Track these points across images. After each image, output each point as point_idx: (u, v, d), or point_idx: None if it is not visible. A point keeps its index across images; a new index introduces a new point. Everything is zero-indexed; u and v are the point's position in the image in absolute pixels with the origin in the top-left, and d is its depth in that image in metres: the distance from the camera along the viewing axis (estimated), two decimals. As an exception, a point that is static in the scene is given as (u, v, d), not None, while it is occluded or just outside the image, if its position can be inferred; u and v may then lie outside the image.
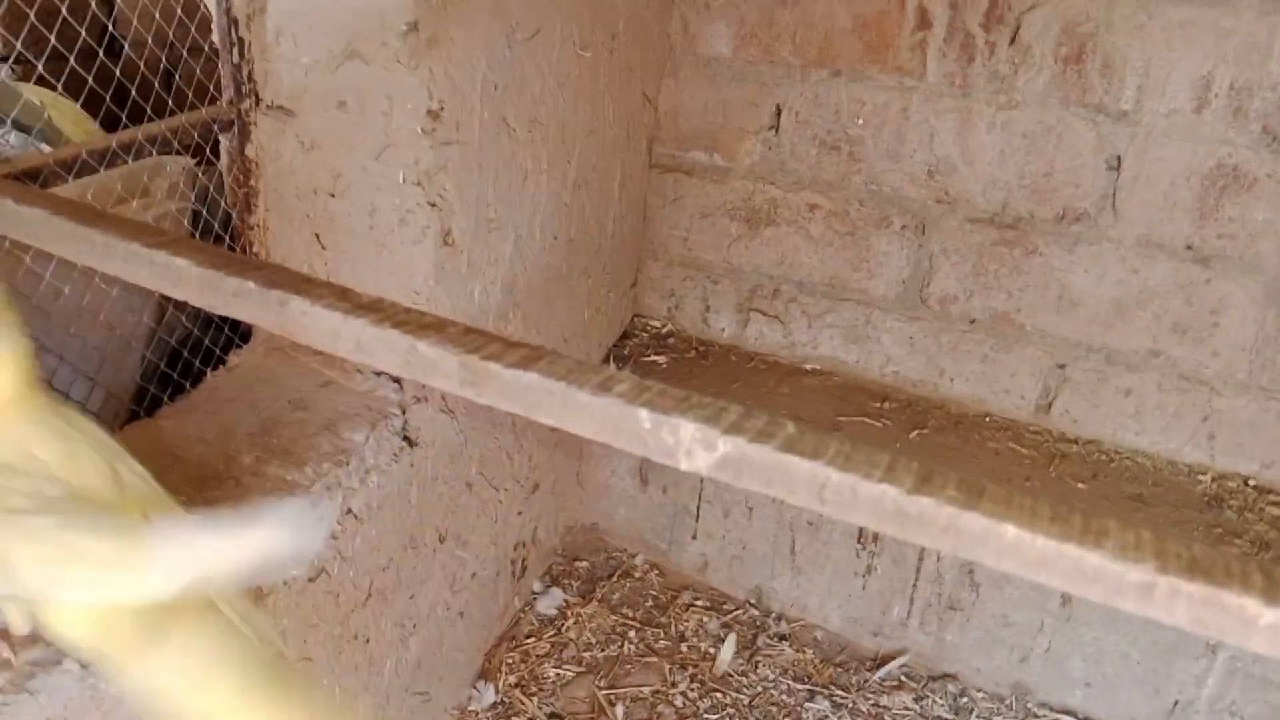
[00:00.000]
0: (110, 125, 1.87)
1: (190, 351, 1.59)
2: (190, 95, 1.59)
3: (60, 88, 1.70)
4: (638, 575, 2.32)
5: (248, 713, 1.00)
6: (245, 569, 0.89)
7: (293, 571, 1.22)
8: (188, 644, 0.96)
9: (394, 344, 0.89)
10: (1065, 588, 0.71)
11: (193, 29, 1.61)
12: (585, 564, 2.34)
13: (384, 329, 0.89)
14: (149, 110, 1.54)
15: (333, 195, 1.54)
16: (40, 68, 1.34)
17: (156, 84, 1.61)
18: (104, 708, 1.12)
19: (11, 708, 1.02)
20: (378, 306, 0.93)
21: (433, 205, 1.52)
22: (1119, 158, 1.98)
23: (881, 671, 2.07)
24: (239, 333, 1.67)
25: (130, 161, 1.31)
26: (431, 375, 0.88)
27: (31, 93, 1.54)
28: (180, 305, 1.57)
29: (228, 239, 1.58)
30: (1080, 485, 2.01)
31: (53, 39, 1.30)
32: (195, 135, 1.43)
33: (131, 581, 0.89)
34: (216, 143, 1.54)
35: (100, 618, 0.94)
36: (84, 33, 1.51)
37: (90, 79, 1.36)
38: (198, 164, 1.58)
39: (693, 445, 0.79)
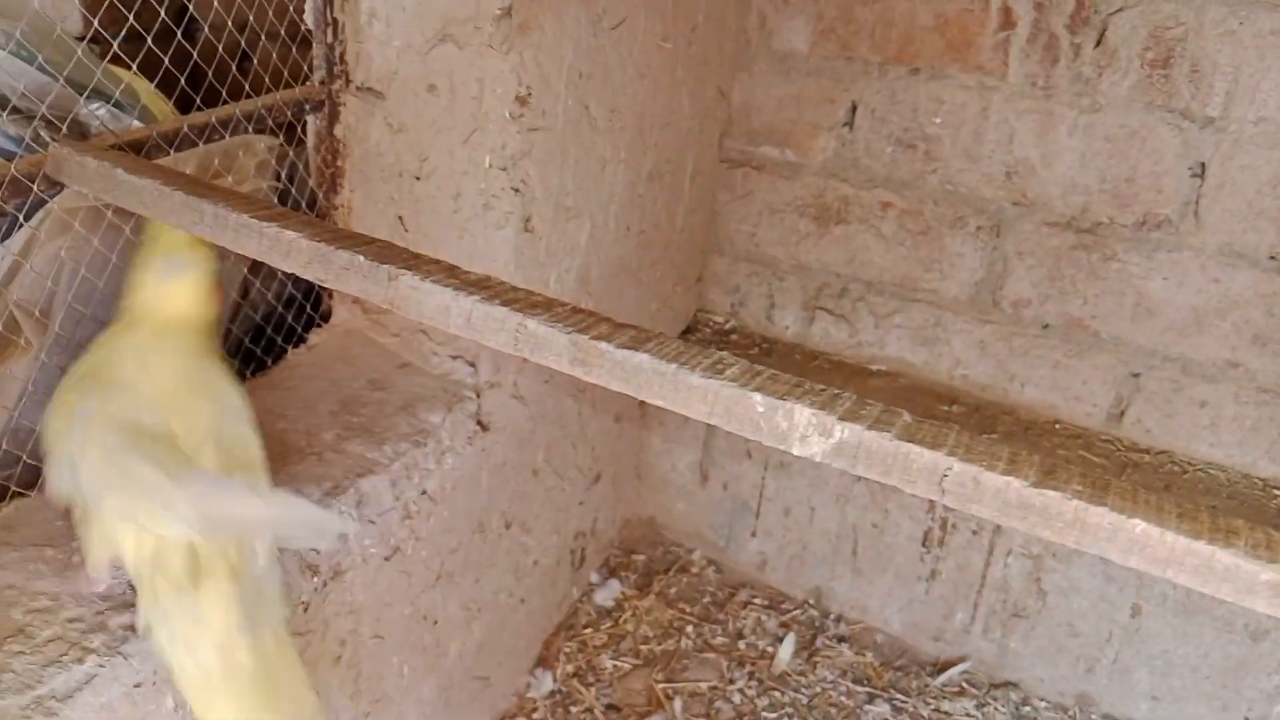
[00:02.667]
0: (184, 107, 1.90)
1: (272, 328, 1.61)
2: (267, 79, 1.61)
3: (135, 68, 1.72)
4: (695, 571, 2.32)
5: (235, 683, 1.05)
6: (262, 533, 1.05)
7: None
8: (214, 600, 1.03)
9: (504, 321, 0.89)
10: (1194, 585, 0.70)
11: (270, 12, 1.62)
12: (642, 557, 2.34)
13: (494, 306, 0.89)
14: (224, 93, 1.56)
15: (418, 178, 1.55)
16: (116, 47, 1.35)
17: (234, 67, 1.62)
18: (191, 674, 1.13)
19: (107, 669, 1.04)
20: (486, 284, 0.93)
21: (516, 191, 1.53)
22: (1203, 164, 1.94)
23: (942, 677, 2.05)
24: (319, 312, 1.69)
25: (227, 137, 1.33)
26: (541, 353, 0.88)
27: (127, 77, 1.57)
28: (265, 282, 1.59)
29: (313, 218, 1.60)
30: (1153, 496, 1.98)
31: (130, 18, 1.32)
32: (288, 114, 1.44)
33: (163, 512, 0.99)
34: (304, 123, 1.56)
35: (150, 544, 1.03)
36: (163, 13, 1.53)
37: (168, 60, 1.38)
38: (285, 143, 1.59)
39: (808, 430, 0.79)
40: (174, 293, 1.13)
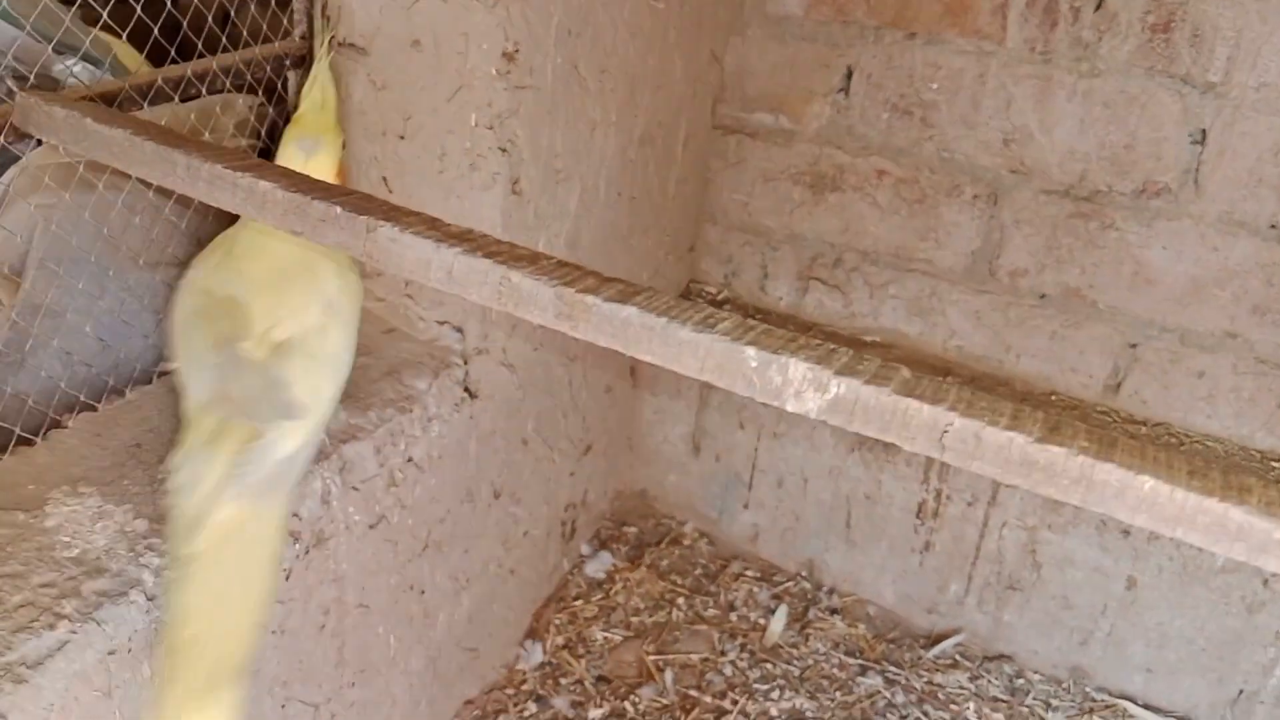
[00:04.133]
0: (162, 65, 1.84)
1: (253, 293, 1.57)
2: (245, 35, 1.56)
3: (105, 25, 1.67)
4: (687, 543, 2.29)
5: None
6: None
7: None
8: (221, 459, 1.09)
9: (487, 274, 0.85)
10: (1205, 544, 0.67)
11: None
12: (634, 529, 2.31)
13: (476, 258, 0.86)
14: (200, 48, 1.51)
15: (402, 137, 1.51)
16: (98, 10, 1.30)
17: (212, 23, 1.57)
18: (168, 642, 1.10)
19: (80, 636, 1.01)
20: (469, 236, 0.90)
21: (503, 151, 1.49)
22: (1204, 131, 1.90)
23: (936, 650, 2.03)
24: (302, 276, 1.64)
25: (205, 92, 1.29)
26: (525, 308, 0.85)
27: (101, 33, 1.52)
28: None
29: (295, 180, 1.56)
30: (1149, 467, 1.95)
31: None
32: (268, 70, 1.40)
33: (191, 376, 1.14)
34: (285, 80, 1.51)
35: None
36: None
37: (139, 14, 1.33)
38: (266, 101, 1.55)
39: (803, 386, 0.76)
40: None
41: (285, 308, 1.17)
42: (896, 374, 0.76)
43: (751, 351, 0.77)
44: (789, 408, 0.77)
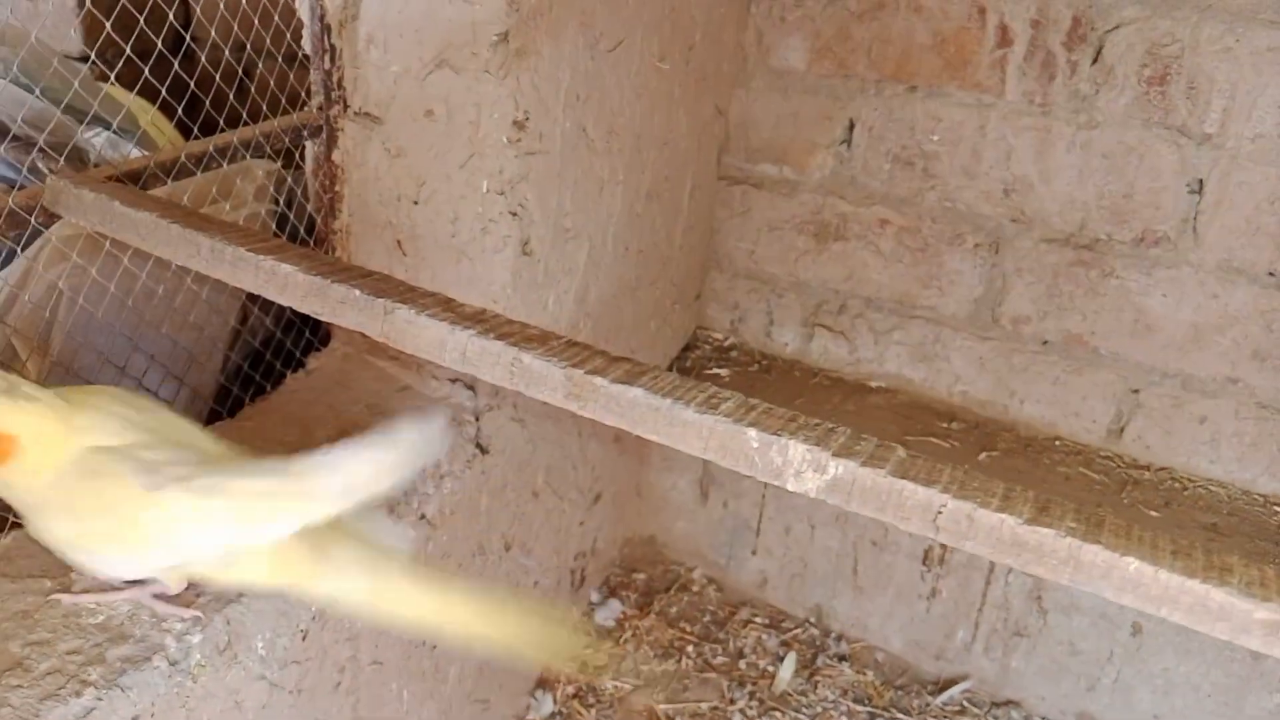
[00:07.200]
0: (182, 128, 1.90)
1: (270, 353, 1.61)
2: (264, 103, 1.61)
3: (136, 91, 1.73)
4: (695, 590, 2.31)
5: (415, 601, 1.16)
6: (387, 483, 1.04)
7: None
8: (345, 556, 1.11)
9: (499, 356, 0.89)
10: (1189, 624, 0.70)
11: (268, 37, 1.63)
12: (643, 576, 2.33)
13: (489, 340, 0.90)
14: (220, 118, 1.56)
15: (416, 203, 1.55)
16: (111, 70, 1.36)
17: (231, 91, 1.62)
18: (189, 705, 1.13)
19: (105, 703, 1.04)
20: (481, 317, 0.93)
21: (514, 215, 1.53)
22: (1201, 181, 1.94)
23: (943, 696, 2.04)
24: (318, 335, 1.69)
25: (225, 165, 1.33)
26: (536, 388, 0.88)
27: (128, 100, 1.57)
28: (264, 307, 1.59)
29: (311, 243, 1.60)
30: (1153, 513, 1.97)
31: (127, 46, 1.32)
32: (286, 140, 1.45)
33: (311, 508, 1.02)
34: (302, 148, 1.56)
35: (277, 552, 1.06)
36: (159, 39, 1.53)
37: (161, 83, 1.38)
38: (283, 167, 1.60)
39: (803, 466, 0.79)
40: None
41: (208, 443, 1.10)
42: (893, 455, 0.79)
43: (753, 433, 0.80)
44: (790, 487, 0.80)
